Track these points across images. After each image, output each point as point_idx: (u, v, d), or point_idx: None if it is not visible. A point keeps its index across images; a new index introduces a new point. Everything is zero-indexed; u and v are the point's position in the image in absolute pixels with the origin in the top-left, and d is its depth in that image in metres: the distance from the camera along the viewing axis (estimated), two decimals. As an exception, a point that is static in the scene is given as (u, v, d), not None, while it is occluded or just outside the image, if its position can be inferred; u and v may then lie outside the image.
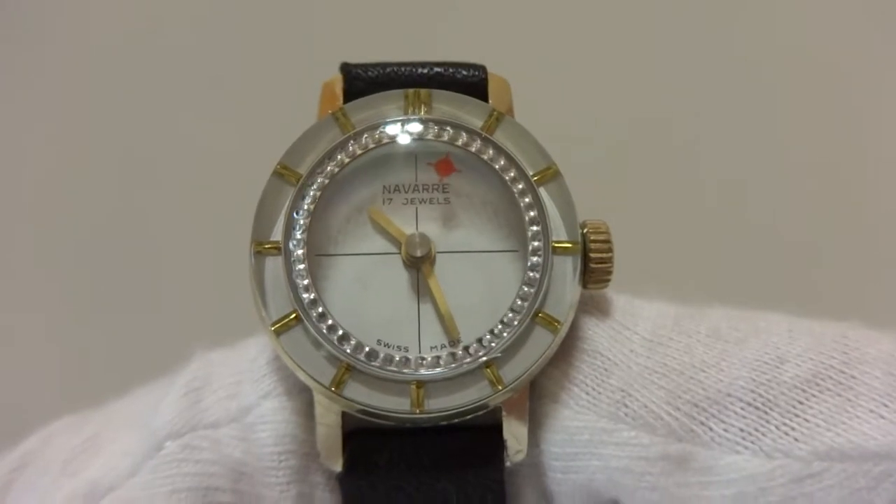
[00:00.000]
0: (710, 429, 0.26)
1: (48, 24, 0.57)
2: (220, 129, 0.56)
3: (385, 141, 0.28)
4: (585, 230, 0.28)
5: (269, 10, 0.57)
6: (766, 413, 0.25)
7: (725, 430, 0.25)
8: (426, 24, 0.55)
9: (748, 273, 0.56)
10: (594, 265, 0.27)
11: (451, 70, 0.29)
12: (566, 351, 0.28)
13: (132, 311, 0.55)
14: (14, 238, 0.57)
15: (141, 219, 0.57)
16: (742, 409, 0.25)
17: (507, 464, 0.27)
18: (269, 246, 0.27)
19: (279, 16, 0.57)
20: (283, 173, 0.27)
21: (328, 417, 0.27)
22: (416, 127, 0.28)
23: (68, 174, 0.57)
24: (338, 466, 0.27)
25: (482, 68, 0.29)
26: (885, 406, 0.25)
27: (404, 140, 0.28)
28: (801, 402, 0.25)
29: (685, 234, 0.56)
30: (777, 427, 0.25)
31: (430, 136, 0.28)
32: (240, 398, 0.28)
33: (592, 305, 0.29)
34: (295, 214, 0.27)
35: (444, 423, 0.27)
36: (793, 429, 0.25)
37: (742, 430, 0.25)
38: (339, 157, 0.28)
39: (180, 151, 0.57)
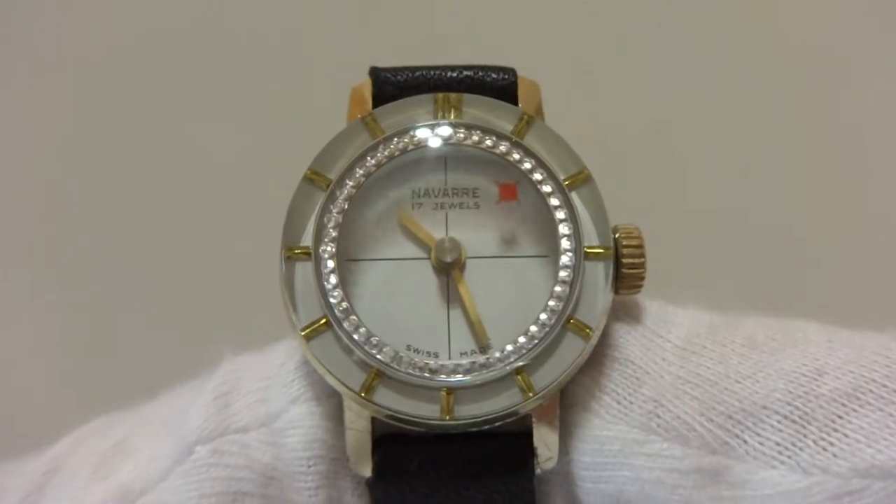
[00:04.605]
0: (745, 441, 0.25)
1: (70, 23, 0.58)
2: (248, 133, 0.56)
3: (415, 145, 0.28)
4: (617, 235, 0.27)
5: (297, 13, 0.57)
6: (803, 427, 0.25)
7: (761, 444, 0.25)
8: (455, 27, 0.55)
9: (785, 278, 0.55)
10: (626, 270, 0.27)
11: (480, 73, 0.29)
12: (597, 358, 0.27)
13: (155, 316, 0.56)
14: (24, 240, 0.57)
15: (168, 223, 0.58)
16: (778, 422, 0.25)
17: (538, 471, 0.27)
18: (299, 251, 0.27)
19: (306, 19, 0.57)
20: (313, 178, 0.27)
21: (358, 423, 0.27)
22: (445, 131, 0.28)
23: (93, 181, 0.57)
24: (367, 472, 0.27)
25: (512, 71, 0.29)
26: None
27: (434, 144, 0.28)
28: (840, 417, 0.25)
29: (718, 239, 0.56)
30: (815, 442, 0.24)
31: (461, 141, 0.28)
32: (269, 403, 0.28)
33: (624, 311, 0.28)
34: (325, 220, 0.27)
35: (474, 429, 0.27)
36: (831, 444, 0.24)
37: (778, 443, 0.25)
38: (368, 162, 0.27)
39: (209, 157, 0.57)
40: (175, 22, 0.57)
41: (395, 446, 0.27)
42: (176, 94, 0.56)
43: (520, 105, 0.29)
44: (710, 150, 0.57)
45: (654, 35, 0.57)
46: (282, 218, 0.28)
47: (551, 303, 0.27)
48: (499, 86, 0.29)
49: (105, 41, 0.57)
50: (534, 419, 0.27)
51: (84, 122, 0.57)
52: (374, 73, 0.29)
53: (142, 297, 0.56)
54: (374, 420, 0.27)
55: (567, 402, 0.27)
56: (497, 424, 0.27)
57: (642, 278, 0.27)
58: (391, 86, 0.29)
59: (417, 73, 0.29)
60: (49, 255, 0.57)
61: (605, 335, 0.28)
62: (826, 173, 0.57)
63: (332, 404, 0.27)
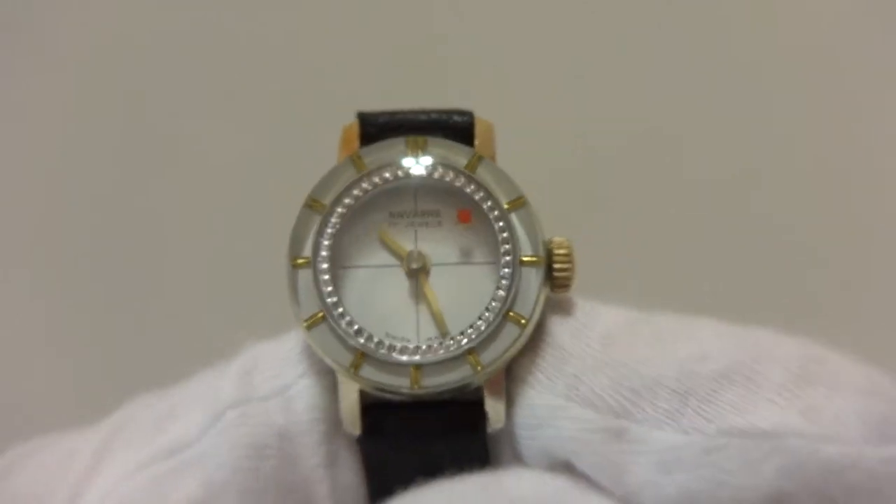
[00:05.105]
0: (643, 409, 0.32)
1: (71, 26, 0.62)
2: (248, 133, 0.62)
3: (391, 179, 0.35)
4: (550, 246, 0.35)
5: (296, 14, 0.62)
6: (686, 399, 0.32)
7: (654, 411, 0.32)
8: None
9: (774, 281, 0.60)
10: (557, 274, 0.35)
11: (445, 116, 0.36)
12: (536, 343, 0.35)
13: (155, 316, 0.61)
14: (24, 240, 0.63)
15: (168, 223, 0.63)
16: (668, 395, 0.32)
17: (489, 430, 0.35)
18: (301, 261, 0.35)
19: (306, 20, 0.62)
20: (312, 204, 0.35)
21: (349, 394, 0.35)
22: (415, 168, 0.36)
23: (93, 181, 0.62)
24: (357, 432, 0.35)
25: (470, 114, 0.37)
26: (779, 396, 0.31)
27: (405, 177, 0.36)
28: (714, 391, 0.31)
29: (706, 241, 0.61)
30: (694, 410, 0.31)
31: (427, 175, 0.35)
32: (281, 378, 0.35)
33: (560, 308, 0.36)
34: (321, 236, 0.35)
35: (439, 398, 0.34)
36: (706, 411, 0.31)
37: (667, 411, 0.32)
38: (354, 191, 0.35)
39: (209, 157, 0.62)
40: (175, 22, 0.62)
41: (379, 412, 0.35)
42: (176, 93, 0.61)
43: (476, 140, 0.36)
44: (698, 154, 0.62)
45: (649, 35, 0.62)
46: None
47: (494, 299, 0.34)
48: (459, 125, 0.36)
49: (105, 41, 0.62)
50: (485, 390, 0.34)
51: (83, 123, 0.62)
52: (361, 115, 0.37)
53: (142, 297, 0.62)
54: (361, 391, 0.35)
55: (511, 377, 0.35)
56: (456, 393, 0.34)
57: (570, 280, 0.35)
58: (374, 126, 0.36)
59: (396, 116, 0.37)
60: (49, 255, 0.62)
61: (543, 325, 0.35)
62: (820, 176, 0.61)
63: (330, 379, 0.35)
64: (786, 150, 0.61)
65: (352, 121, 0.37)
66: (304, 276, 0.35)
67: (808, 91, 0.61)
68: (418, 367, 0.34)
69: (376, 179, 0.35)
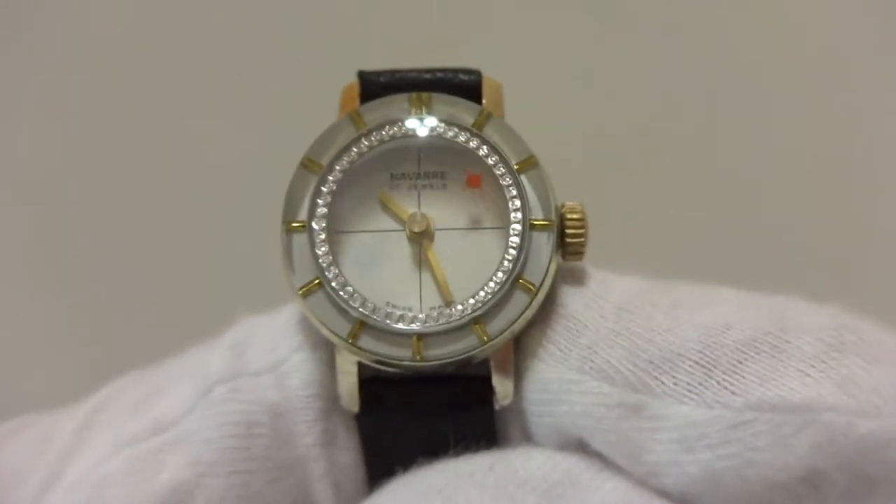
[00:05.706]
0: (662, 382, 0.30)
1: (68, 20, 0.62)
2: (248, 132, 0.61)
3: (392, 137, 0.33)
4: (563, 210, 0.33)
5: (295, 14, 0.62)
6: (709, 370, 0.29)
7: (675, 384, 0.30)
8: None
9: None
10: (569, 240, 0.33)
11: (450, 74, 0.34)
12: (547, 315, 0.32)
13: (155, 315, 0.61)
14: (24, 239, 0.62)
15: (168, 222, 0.63)
16: (690, 366, 0.30)
17: (497, 407, 0.32)
18: (296, 225, 0.33)
19: (305, 20, 0.62)
20: (307, 164, 0.33)
21: (347, 367, 0.32)
22: (418, 125, 0.33)
23: (92, 180, 0.62)
24: (355, 408, 0.33)
25: (477, 72, 0.34)
26: (812, 367, 0.28)
27: (408, 136, 0.33)
28: (739, 362, 0.29)
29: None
30: (718, 382, 0.29)
31: (431, 133, 0.33)
32: (275, 352, 0.33)
33: (573, 278, 0.33)
34: (317, 199, 0.33)
35: (443, 370, 0.32)
36: (731, 384, 0.29)
37: (689, 384, 0.29)
38: (353, 150, 0.33)
39: (209, 156, 0.62)
40: (176, 21, 0.61)
41: (378, 387, 0.32)
42: (176, 92, 0.61)
43: (484, 100, 0.34)
44: (698, 155, 0.60)
45: (651, 32, 0.61)
46: (278, 215, 0.33)
47: (503, 265, 0.32)
48: (466, 84, 0.34)
49: (105, 40, 0.61)
50: (492, 364, 0.32)
51: (83, 121, 0.61)
52: (362, 74, 0.35)
53: (142, 297, 0.61)
54: (360, 365, 0.32)
55: (520, 351, 0.32)
56: (461, 366, 0.32)
57: (584, 246, 0.33)
58: (375, 86, 0.34)
59: (397, 75, 0.34)
60: (49, 255, 0.62)
61: (555, 296, 0.33)
62: (820, 176, 0.60)
63: (326, 353, 0.33)
64: (786, 149, 0.60)
65: (352, 80, 0.35)
66: (299, 240, 0.33)
67: (808, 91, 0.60)
68: (421, 336, 0.32)
69: (377, 137, 0.33)
